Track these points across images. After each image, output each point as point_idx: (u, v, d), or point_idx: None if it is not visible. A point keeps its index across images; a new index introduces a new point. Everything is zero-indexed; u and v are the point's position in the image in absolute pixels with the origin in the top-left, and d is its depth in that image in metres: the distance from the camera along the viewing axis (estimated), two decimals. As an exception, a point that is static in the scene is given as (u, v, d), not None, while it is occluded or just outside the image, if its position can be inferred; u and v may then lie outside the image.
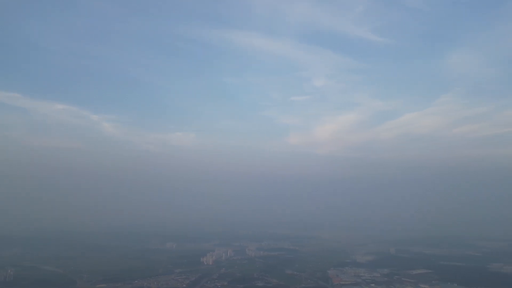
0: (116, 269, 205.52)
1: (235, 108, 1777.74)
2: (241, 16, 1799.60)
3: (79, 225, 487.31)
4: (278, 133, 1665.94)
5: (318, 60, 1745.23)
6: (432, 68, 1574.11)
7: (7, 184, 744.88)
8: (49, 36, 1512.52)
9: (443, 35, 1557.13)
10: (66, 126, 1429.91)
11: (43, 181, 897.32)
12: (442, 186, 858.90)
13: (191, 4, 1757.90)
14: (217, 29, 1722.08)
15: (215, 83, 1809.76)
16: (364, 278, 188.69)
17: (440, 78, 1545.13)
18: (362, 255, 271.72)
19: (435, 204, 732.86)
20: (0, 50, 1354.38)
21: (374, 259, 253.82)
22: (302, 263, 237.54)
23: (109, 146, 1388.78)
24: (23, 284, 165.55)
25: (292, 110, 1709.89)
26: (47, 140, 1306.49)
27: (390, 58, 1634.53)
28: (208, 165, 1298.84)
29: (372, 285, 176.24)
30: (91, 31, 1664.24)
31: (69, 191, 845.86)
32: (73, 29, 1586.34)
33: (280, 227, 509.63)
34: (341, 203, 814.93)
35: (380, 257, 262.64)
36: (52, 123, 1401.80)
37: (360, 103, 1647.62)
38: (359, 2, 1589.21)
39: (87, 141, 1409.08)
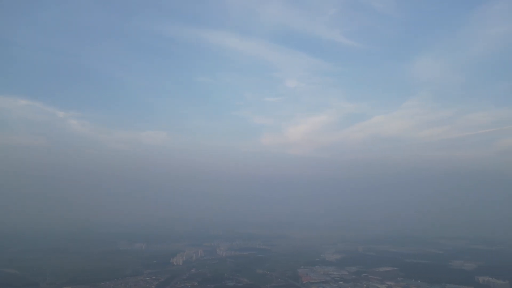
0: (81, 271, 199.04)
1: (208, 108, 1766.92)
2: (216, 16, 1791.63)
3: (43, 226, 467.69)
4: (251, 133, 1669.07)
5: (291, 62, 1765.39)
6: (400, 72, 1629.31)
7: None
8: (13, 29, 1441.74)
9: (410, 40, 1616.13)
10: (29, 123, 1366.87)
11: (4, 180, 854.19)
12: (408, 187, 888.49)
13: (165, 1, 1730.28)
14: (191, 27, 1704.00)
15: (188, 81, 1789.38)
16: (333, 276, 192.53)
17: (407, 82, 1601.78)
18: (332, 254, 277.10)
19: (401, 204, 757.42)
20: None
21: (342, 258, 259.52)
22: (272, 262, 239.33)
23: (75, 144, 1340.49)
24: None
25: (265, 111, 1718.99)
26: (8, 137, 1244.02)
27: (361, 62, 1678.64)
28: (179, 164, 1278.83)
29: (341, 282, 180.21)
30: (57, 24, 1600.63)
31: (33, 190, 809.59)
32: (38, 22, 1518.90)
33: (252, 227, 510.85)
34: (311, 203, 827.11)
35: (349, 256, 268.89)
36: (15, 119, 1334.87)
37: (331, 105, 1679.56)
38: (331, 6, 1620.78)
39: (51, 138, 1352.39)
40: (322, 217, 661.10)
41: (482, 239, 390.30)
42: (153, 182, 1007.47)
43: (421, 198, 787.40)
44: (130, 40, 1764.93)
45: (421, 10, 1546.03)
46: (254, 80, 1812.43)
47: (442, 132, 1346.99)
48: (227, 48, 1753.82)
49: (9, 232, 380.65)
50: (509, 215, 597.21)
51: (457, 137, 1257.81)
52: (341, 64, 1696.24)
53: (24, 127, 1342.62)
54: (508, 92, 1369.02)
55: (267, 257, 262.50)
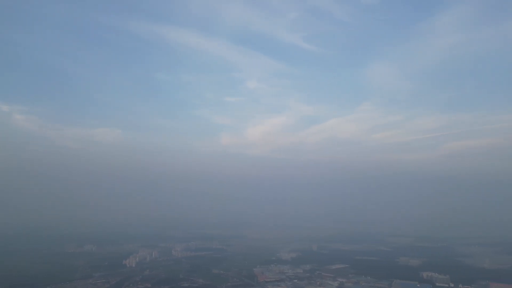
0: (26, 275, 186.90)
1: (166, 106, 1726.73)
2: (176, 12, 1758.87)
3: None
4: (210, 133, 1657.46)
5: (251, 63, 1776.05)
6: (355, 78, 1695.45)
7: None
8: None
9: (365, 47, 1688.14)
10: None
11: None
12: (362, 187, 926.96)
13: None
14: (150, 23, 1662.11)
15: (146, 78, 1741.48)
16: (288, 275, 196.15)
17: (361, 87, 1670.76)
18: (287, 253, 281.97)
19: (355, 203, 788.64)
20: None
21: (297, 256, 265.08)
22: (229, 262, 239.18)
23: (20, 140, 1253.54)
24: None
25: (225, 111, 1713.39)
26: None
27: (319, 66, 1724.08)
28: (134, 163, 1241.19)
29: (295, 280, 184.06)
30: (3, 12, 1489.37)
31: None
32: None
33: (209, 227, 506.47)
34: (269, 203, 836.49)
35: (303, 254, 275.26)
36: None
37: (290, 107, 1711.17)
38: (292, 10, 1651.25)
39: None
40: (279, 217, 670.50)
41: (426, 237, 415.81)
42: (105, 181, 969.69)
43: (372, 198, 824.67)
44: (85, 32, 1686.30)
45: (376, 19, 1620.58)
46: (214, 80, 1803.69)
47: (392, 136, 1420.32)
48: (187, 46, 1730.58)
49: None
50: (451, 214, 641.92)
51: (406, 141, 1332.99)
52: (300, 67, 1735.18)
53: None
54: (452, 99, 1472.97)
55: (224, 257, 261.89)
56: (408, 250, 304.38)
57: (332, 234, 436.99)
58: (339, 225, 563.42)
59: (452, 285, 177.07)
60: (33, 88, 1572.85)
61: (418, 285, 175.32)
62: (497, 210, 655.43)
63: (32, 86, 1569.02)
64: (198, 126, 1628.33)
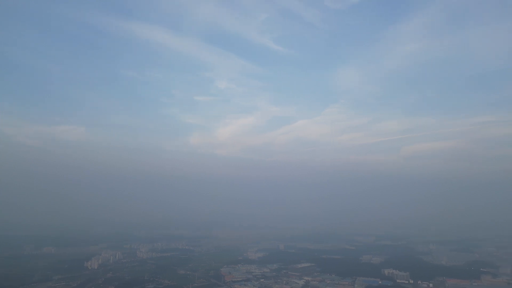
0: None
1: (134, 103, 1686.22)
2: (145, 8, 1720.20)
3: None
4: (178, 132, 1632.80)
5: (222, 62, 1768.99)
6: (323, 81, 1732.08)
7: None
8: None
9: (333, 51, 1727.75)
10: None
11: None
12: (328, 187, 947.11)
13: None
14: (118, 18, 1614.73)
15: (112, 75, 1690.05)
16: (255, 274, 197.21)
17: (329, 90, 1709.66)
18: (254, 252, 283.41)
19: (321, 203, 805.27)
20: None
21: (265, 256, 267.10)
22: (196, 262, 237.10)
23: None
24: None
25: (195, 110, 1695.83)
26: None
27: (288, 67, 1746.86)
28: (98, 162, 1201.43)
29: (262, 280, 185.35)
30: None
31: None
32: None
33: (176, 228, 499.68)
34: (237, 203, 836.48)
35: (271, 254, 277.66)
36: None
37: (260, 107, 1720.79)
38: (263, 11, 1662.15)
39: None
40: (248, 217, 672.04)
41: (388, 235, 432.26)
42: (68, 180, 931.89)
43: (338, 197, 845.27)
44: (48, 25, 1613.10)
45: (344, 24, 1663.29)
46: (184, 78, 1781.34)
47: (358, 137, 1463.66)
48: (156, 43, 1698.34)
49: None
50: (411, 214, 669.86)
51: (371, 142, 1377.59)
52: (270, 68, 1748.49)
53: None
54: (414, 104, 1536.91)
55: (191, 258, 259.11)
56: (371, 249, 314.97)
57: (299, 234, 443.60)
58: (307, 224, 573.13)
59: (411, 281, 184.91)
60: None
61: (380, 282, 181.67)
62: (453, 210, 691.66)
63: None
64: (167, 125, 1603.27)
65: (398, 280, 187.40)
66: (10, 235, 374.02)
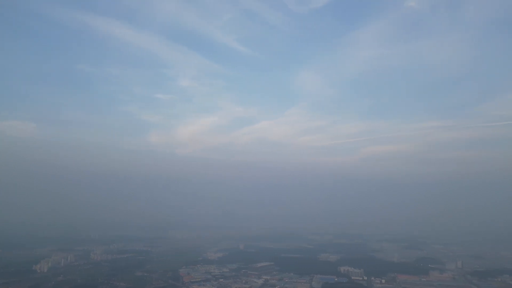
0: None
1: (90, 99, 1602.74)
2: (103, 1, 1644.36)
3: None
4: (137, 130, 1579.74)
5: (184, 60, 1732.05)
6: (285, 82, 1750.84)
7: None
8: None
9: (295, 54, 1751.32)
10: None
11: None
12: (289, 188, 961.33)
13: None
14: (74, 10, 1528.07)
15: (67, 69, 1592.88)
16: (214, 274, 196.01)
17: (291, 92, 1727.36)
18: (214, 253, 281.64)
19: (283, 203, 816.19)
20: None
21: (224, 256, 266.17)
22: (153, 263, 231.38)
23: None
24: None
25: (155, 108, 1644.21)
26: None
27: (251, 68, 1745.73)
28: (51, 160, 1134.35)
29: (221, 280, 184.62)
30: None
31: None
32: None
33: (132, 229, 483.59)
34: (198, 203, 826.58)
35: (230, 254, 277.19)
36: None
37: (222, 107, 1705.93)
38: (226, 11, 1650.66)
39: None
40: (208, 217, 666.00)
41: (344, 234, 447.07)
42: (15, 179, 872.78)
43: (298, 198, 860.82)
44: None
45: (306, 28, 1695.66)
46: (144, 75, 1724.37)
47: (317, 139, 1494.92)
48: (115, 38, 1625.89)
49: None
50: (367, 213, 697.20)
51: (330, 144, 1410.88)
52: (233, 68, 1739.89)
53: None
54: (370, 108, 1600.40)
55: (148, 259, 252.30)
56: (328, 247, 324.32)
57: (260, 234, 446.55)
58: (267, 224, 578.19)
59: (365, 278, 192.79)
60: None
61: (336, 279, 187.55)
62: (405, 210, 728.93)
63: None
64: (125, 122, 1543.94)
65: (353, 277, 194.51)
66: None
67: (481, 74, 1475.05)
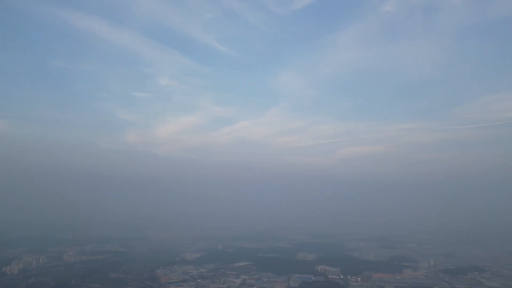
0: None
1: (64, 96, 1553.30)
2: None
3: None
4: (114, 129, 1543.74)
5: (164, 59, 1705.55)
6: (266, 83, 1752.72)
7: None
8: None
9: (275, 55, 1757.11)
10: None
11: None
12: (268, 187, 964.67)
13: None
14: (48, 4, 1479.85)
15: (41, 64, 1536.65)
16: (192, 275, 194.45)
17: (271, 92, 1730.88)
18: (192, 253, 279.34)
19: (262, 203, 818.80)
20: None
21: (202, 256, 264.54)
22: (129, 264, 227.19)
23: None
24: None
25: (133, 106, 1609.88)
26: None
27: (231, 68, 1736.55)
28: (22, 159, 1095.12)
29: (199, 280, 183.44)
30: None
31: None
32: None
33: (108, 229, 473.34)
34: (176, 203, 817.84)
35: (208, 254, 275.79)
36: None
37: (202, 106, 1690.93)
38: (207, 10, 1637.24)
39: None
40: (186, 217, 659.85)
41: (322, 233, 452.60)
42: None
43: (277, 197, 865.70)
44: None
45: (287, 29, 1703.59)
46: (122, 73, 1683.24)
47: (297, 140, 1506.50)
48: (92, 34, 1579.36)
49: None
50: (344, 213, 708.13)
51: (308, 145, 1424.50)
52: (213, 67, 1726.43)
53: None
54: (348, 109, 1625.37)
55: (124, 260, 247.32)
56: (306, 246, 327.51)
57: (238, 234, 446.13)
58: (246, 224, 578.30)
59: (341, 276, 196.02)
60: None
61: (313, 278, 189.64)
62: (380, 208, 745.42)
63: None
64: (102, 121, 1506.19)
65: (329, 276, 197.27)
66: None
67: (455, 78, 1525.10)
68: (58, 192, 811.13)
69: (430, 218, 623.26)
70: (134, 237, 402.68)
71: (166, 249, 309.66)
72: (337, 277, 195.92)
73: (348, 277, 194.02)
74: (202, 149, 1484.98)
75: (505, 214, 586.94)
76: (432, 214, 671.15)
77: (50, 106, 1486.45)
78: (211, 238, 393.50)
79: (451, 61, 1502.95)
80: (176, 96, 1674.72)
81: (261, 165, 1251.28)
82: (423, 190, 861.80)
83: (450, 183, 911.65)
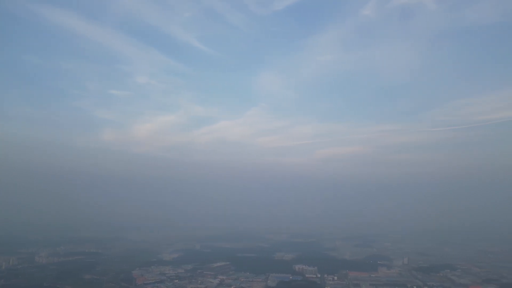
0: None
1: (38, 93, 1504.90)
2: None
3: None
4: (91, 127, 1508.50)
5: (142, 56, 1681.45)
6: (246, 83, 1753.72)
7: None
8: None
9: (256, 55, 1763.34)
10: None
11: None
12: (248, 187, 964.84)
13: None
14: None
15: (15, 60, 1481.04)
16: (169, 275, 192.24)
17: (251, 93, 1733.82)
18: (169, 253, 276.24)
19: (241, 203, 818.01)
20: None
21: (180, 256, 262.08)
22: (105, 266, 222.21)
23: None
24: None
25: (109, 104, 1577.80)
26: None
27: (211, 68, 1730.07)
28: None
29: (176, 281, 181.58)
30: None
31: None
32: None
33: (82, 230, 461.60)
34: (153, 203, 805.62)
35: (186, 254, 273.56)
36: None
37: (181, 106, 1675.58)
38: (187, 9, 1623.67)
39: None
40: (164, 218, 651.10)
41: (300, 233, 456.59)
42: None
43: (256, 197, 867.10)
44: None
45: (267, 30, 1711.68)
46: (98, 70, 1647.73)
47: (276, 140, 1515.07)
48: (68, 30, 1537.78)
49: None
50: (322, 212, 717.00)
51: (288, 145, 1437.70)
52: (193, 67, 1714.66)
53: None
54: (327, 111, 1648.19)
55: (99, 262, 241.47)
56: (284, 246, 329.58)
57: (216, 234, 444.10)
58: (224, 224, 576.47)
59: (319, 275, 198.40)
60: None
61: (291, 277, 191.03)
62: (358, 208, 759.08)
63: None
64: (77, 119, 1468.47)
65: (307, 275, 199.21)
66: None
67: (430, 81, 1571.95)
68: (30, 191, 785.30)
69: (405, 218, 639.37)
70: (110, 237, 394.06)
71: (142, 250, 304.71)
72: (314, 276, 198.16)
73: (325, 276, 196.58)
74: (181, 149, 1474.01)
75: (477, 214, 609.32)
76: (407, 213, 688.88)
77: (24, 103, 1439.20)
78: (189, 238, 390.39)
79: (426, 65, 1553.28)
80: (155, 95, 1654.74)
81: (240, 165, 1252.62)
82: (399, 190, 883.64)
83: (425, 183, 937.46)
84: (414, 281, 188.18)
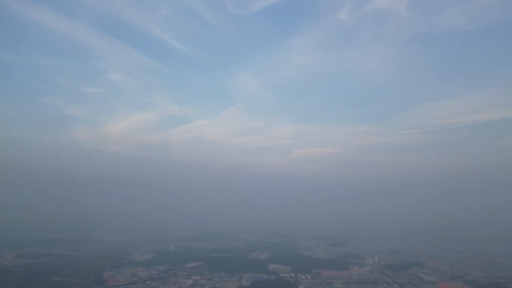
0: None
1: (5, 89, 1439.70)
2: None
3: None
4: (60, 125, 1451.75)
5: (116, 53, 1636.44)
6: (223, 83, 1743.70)
7: None
8: None
9: (233, 55, 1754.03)
10: None
11: None
12: (223, 187, 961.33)
13: None
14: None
15: None
16: (141, 277, 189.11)
17: (228, 92, 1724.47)
18: (142, 254, 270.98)
19: (216, 203, 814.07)
20: None
21: (153, 257, 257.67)
22: (74, 267, 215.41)
23: None
24: None
25: (81, 102, 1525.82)
26: None
27: (188, 66, 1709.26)
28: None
29: (148, 282, 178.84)
30: None
31: None
32: None
33: (50, 231, 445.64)
34: (126, 203, 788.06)
35: (159, 255, 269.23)
36: None
37: (156, 104, 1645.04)
38: (164, 6, 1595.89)
39: None
40: (136, 218, 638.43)
41: (274, 233, 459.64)
42: None
43: (231, 197, 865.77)
44: None
45: (245, 30, 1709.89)
46: (69, 66, 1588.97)
47: (253, 140, 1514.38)
48: (37, 23, 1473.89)
49: None
50: (297, 212, 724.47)
51: (264, 146, 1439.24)
52: (169, 65, 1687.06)
53: None
54: (302, 112, 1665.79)
55: (68, 263, 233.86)
56: (258, 246, 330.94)
57: (190, 234, 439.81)
58: (199, 224, 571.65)
59: (292, 274, 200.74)
60: None
61: (265, 277, 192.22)
62: (332, 208, 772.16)
63: None
64: (46, 116, 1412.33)
65: (281, 274, 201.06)
66: None
67: (401, 85, 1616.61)
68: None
69: (377, 217, 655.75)
70: (80, 239, 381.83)
71: (114, 251, 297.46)
72: (288, 275, 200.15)
73: (299, 275, 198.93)
74: (156, 148, 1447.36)
75: (447, 213, 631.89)
76: (379, 213, 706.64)
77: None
78: (163, 239, 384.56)
79: (397, 69, 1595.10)
80: (129, 93, 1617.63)
81: (217, 165, 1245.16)
82: (369, 190, 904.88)
83: (396, 183, 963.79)
84: (384, 278, 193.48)
